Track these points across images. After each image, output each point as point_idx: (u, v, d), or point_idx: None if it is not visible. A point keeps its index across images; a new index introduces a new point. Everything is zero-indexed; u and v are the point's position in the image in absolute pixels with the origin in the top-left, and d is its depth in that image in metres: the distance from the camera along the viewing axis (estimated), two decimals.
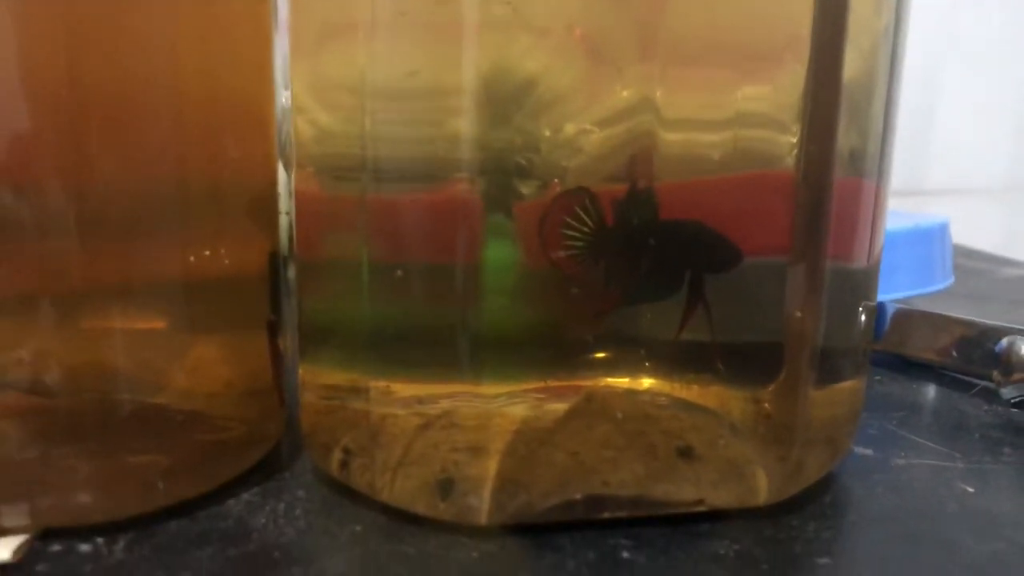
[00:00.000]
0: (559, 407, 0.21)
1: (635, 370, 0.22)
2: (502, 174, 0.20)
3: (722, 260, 0.21)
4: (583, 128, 0.20)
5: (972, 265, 0.59)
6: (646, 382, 0.23)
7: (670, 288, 0.21)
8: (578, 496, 0.21)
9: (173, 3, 0.20)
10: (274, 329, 0.24)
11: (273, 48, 0.23)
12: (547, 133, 0.20)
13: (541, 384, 0.21)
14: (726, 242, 0.21)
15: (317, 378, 0.23)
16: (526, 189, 0.20)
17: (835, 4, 0.20)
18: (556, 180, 0.20)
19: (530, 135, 0.20)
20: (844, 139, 0.21)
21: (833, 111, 0.21)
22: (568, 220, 0.20)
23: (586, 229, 0.21)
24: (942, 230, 0.39)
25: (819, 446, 0.23)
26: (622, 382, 0.22)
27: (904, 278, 0.37)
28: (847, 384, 0.23)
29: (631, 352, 0.22)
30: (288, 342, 0.25)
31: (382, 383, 0.22)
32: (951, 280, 0.39)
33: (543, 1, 0.19)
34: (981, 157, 0.77)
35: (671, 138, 0.20)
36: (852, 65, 0.21)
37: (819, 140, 0.21)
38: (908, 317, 0.34)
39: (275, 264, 0.24)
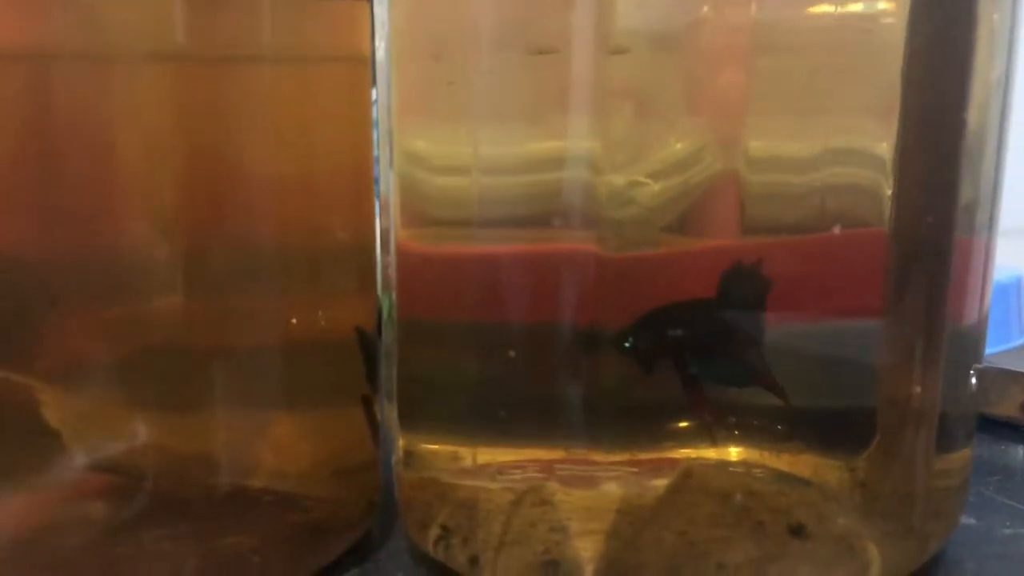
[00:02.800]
0: (657, 483, 0.21)
1: (724, 439, 0.22)
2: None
3: None
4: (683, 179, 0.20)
5: None
6: (734, 451, 0.22)
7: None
8: None
9: (272, 67, 0.20)
10: (370, 403, 0.23)
11: (372, 111, 0.23)
12: (651, 183, 0.19)
13: (627, 456, 0.21)
14: None
15: (415, 447, 0.23)
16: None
17: (958, 57, 0.20)
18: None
19: (638, 185, 0.19)
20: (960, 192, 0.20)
21: (953, 163, 0.20)
22: None
23: None
24: (1018, 284, 0.38)
25: (933, 519, 0.22)
26: (710, 452, 0.22)
27: None
28: (960, 453, 0.23)
29: (720, 420, 0.21)
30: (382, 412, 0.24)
31: (483, 448, 0.21)
32: None
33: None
34: None
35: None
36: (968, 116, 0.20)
37: (937, 194, 0.20)
38: (986, 375, 0.33)
39: (370, 336, 0.23)
